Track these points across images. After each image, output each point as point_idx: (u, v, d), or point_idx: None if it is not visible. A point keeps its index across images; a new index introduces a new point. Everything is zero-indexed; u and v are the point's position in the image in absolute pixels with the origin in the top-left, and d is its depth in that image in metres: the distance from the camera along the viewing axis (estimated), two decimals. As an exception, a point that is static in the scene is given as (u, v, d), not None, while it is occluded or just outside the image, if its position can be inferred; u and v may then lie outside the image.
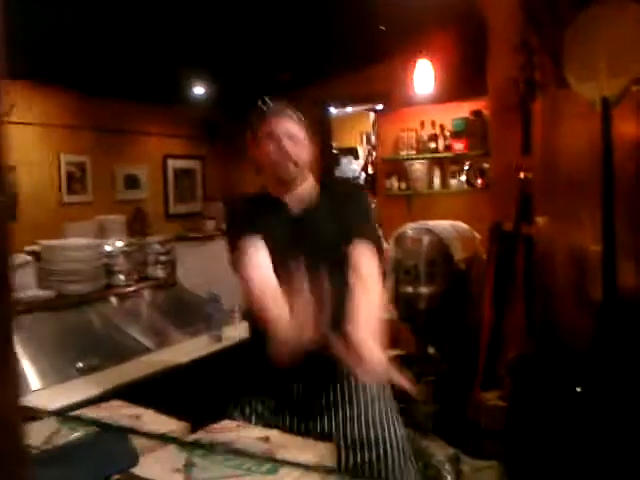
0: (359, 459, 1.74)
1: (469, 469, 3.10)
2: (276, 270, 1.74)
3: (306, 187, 1.90)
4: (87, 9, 4.05)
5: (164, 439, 1.33)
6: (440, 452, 3.13)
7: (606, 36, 2.56)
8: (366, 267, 1.71)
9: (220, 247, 4.91)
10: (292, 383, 1.80)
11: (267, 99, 1.87)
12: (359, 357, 1.45)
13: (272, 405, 1.82)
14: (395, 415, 1.85)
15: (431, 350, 3.86)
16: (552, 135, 3.12)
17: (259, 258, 1.75)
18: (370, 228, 1.88)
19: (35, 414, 1.65)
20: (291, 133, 1.81)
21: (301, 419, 1.79)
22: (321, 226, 1.82)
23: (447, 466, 3.08)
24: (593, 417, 2.58)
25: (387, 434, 1.78)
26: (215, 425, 1.57)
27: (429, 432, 3.32)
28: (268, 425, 1.72)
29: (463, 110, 5.44)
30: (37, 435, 1.44)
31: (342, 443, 1.73)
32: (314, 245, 1.77)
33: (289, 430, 1.70)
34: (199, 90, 6.47)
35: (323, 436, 1.70)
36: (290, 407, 1.80)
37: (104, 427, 1.48)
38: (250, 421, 1.80)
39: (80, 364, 2.56)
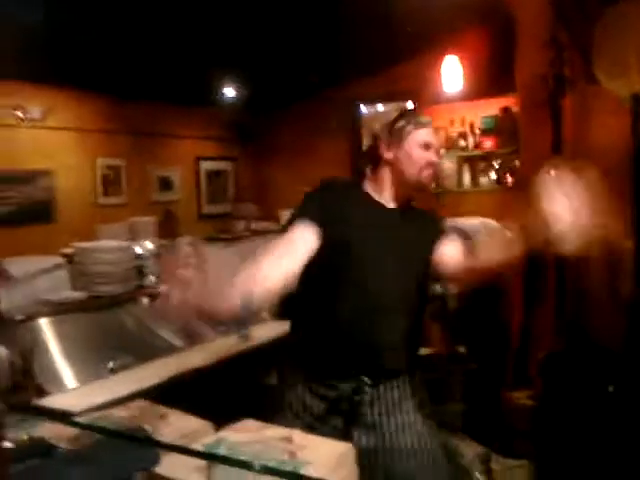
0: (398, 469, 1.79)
1: (500, 468, 3.09)
2: (346, 261, 1.77)
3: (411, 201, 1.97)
4: (119, 14, 4.12)
5: (179, 450, 1.35)
6: (470, 451, 3.12)
7: (636, 32, 2.52)
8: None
9: (249, 247, 4.96)
10: (340, 385, 1.81)
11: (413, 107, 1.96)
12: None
13: (320, 410, 1.83)
14: (432, 430, 1.89)
15: (461, 349, 3.83)
16: (582, 132, 3.08)
17: (288, 244, 1.74)
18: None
19: (63, 415, 1.70)
20: (438, 146, 1.92)
21: (347, 426, 1.80)
22: (409, 241, 1.86)
23: (477, 465, 3.07)
24: (625, 416, 2.54)
25: (425, 445, 1.82)
26: (237, 425, 1.59)
27: (459, 431, 3.31)
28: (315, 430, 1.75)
29: (492, 107, 5.38)
30: (64, 435, 1.48)
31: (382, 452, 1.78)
32: (399, 256, 1.82)
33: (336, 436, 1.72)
34: (230, 92, 6.53)
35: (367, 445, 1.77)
36: (338, 413, 1.82)
37: (128, 428, 1.52)
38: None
39: (111, 364, 2.62)
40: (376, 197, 1.90)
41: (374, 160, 1.91)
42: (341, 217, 1.79)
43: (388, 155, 1.87)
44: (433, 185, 5.50)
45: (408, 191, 1.90)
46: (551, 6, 3.14)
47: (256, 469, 1.04)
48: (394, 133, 1.87)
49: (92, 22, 4.10)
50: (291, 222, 1.79)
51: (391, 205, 1.89)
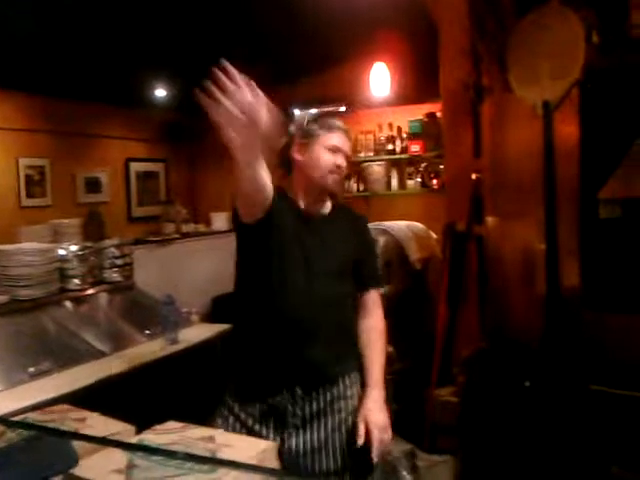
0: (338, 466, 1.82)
1: (424, 464, 3.16)
2: (281, 268, 1.81)
3: (326, 202, 1.99)
4: (45, 12, 4.02)
5: (104, 442, 1.35)
6: (396, 448, 3.18)
7: (547, 41, 2.64)
8: (379, 322, 2.02)
9: (179, 250, 4.92)
10: (281, 388, 1.82)
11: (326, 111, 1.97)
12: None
13: (257, 412, 1.84)
14: None
15: (389, 349, 3.91)
16: (499, 138, 3.20)
17: None
18: (379, 270, 2.17)
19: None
20: (348, 151, 1.93)
21: (285, 427, 1.81)
22: (334, 241, 1.91)
23: (403, 462, 3.13)
24: (542, 410, 2.66)
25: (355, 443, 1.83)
26: (159, 426, 1.59)
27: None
28: (253, 433, 1.78)
29: (420, 112, 5.52)
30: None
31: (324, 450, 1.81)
32: (323, 255, 1.86)
33: (274, 439, 1.76)
34: (161, 92, 6.44)
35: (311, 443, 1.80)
36: (277, 414, 1.82)
37: (45, 430, 1.49)
38: (234, 429, 1.83)
39: (32, 369, 2.55)
40: (296, 202, 1.92)
41: (286, 161, 1.94)
42: (280, 224, 1.80)
43: (298, 157, 1.90)
44: (356, 191, 5.67)
45: (317, 194, 1.92)
46: (468, 16, 3.26)
47: (179, 457, 1.05)
48: (305, 135, 1.91)
49: (17, 19, 3.98)
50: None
51: (310, 209, 1.92)
